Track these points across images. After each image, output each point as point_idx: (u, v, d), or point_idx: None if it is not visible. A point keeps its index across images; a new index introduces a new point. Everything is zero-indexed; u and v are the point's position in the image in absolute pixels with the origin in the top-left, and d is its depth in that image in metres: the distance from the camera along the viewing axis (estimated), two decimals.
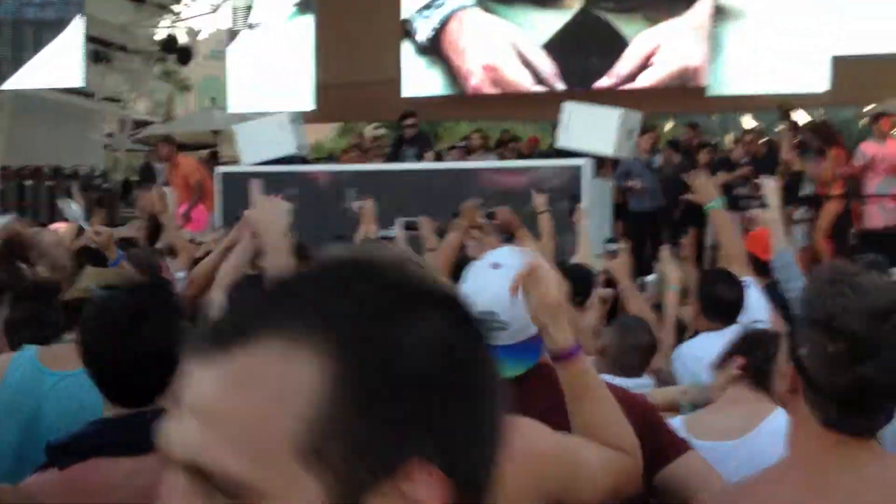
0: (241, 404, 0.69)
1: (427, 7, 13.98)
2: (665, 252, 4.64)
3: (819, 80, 11.44)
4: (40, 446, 2.56)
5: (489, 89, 13.93)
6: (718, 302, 3.81)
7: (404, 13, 14.05)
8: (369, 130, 22.39)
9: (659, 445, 1.98)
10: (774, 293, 4.07)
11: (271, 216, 2.26)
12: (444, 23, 13.86)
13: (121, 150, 17.43)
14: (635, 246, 10.39)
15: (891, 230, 9.44)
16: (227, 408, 0.69)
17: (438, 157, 11.00)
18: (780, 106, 10.86)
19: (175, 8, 17.57)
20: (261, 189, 2.40)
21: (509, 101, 14.24)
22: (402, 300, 0.73)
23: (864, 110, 16.05)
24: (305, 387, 0.68)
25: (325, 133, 25.21)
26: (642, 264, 9.32)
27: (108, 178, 16.04)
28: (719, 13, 11.98)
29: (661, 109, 15.44)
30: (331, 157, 16.04)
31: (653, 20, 12.72)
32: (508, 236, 5.64)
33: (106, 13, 15.53)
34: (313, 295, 0.73)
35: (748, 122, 25.28)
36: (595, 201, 8.61)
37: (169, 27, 17.59)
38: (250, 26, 13.82)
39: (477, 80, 13.89)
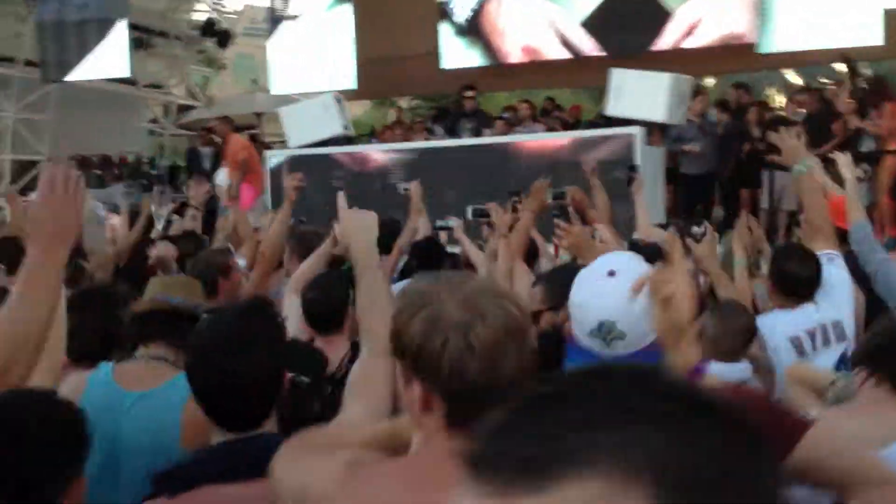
0: None
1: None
2: (741, 226, 4.50)
3: (872, 34, 11.09)
4: (119, 469, 2.59)
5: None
6: (792, 279, 3.71)
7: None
8: (406, 103, 22.41)
9: (781, 432, 1.91)
10: (852, 264, 3.95)
11: (359, 228, 2.21)
12: (481, 3, 13.71)
13: (165, 135, 17.56)
14: (689, 210, 10.34)
15: None
16: None
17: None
18: (844, 58, 10.54)
19: None
20: (345, 201, 2.34)
21: (548, 70, 14.04)
22: (728, 432, 0.65)
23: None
24: None
25: (362, 108, 25.16)
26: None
27: (156, 164, 16.17)
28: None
29: (709, 72, 15.15)
30: (372, 134, 16.06)
31: None
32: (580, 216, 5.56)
33: (144, 0, 15.59)
34: (625, 422, 0.63)
35: (794, 78, 24.78)
36: (648, 169, 8.49)
37: (206, 10, 17.65)
38: (292, 17, 13.78)
39: (516, 59, 13.74)
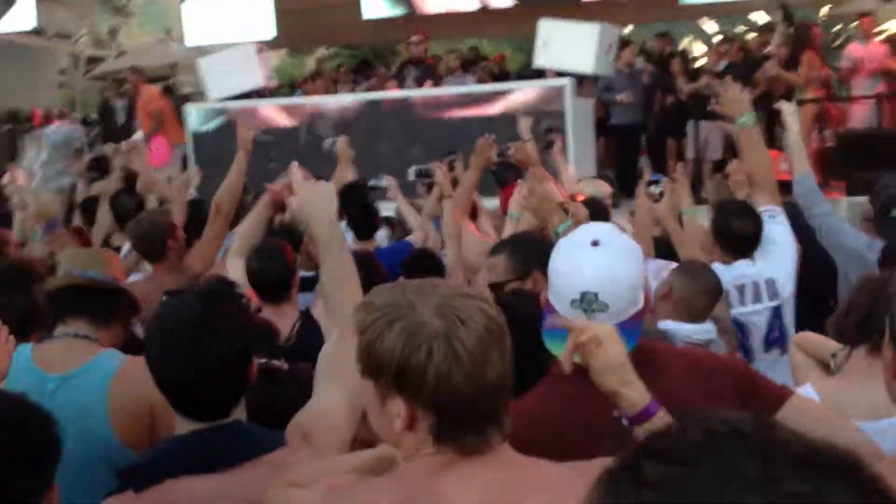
0: None
1: None
2: (679, 176, 4.49)
3: None
4: None
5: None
6: (733, 236, 3.75)
7: None
8: (322, 54, 21.97)
9: (760, 403, 1.90)
10: (794, 215, 3.99)
11: (317, 203, 2.09)
12: None
13: (76, 87, 16.91)
14: (622, 161, 10.41)
15: (873, 131, 9.44)
16: None
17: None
18: (782, 4, 10.62)
19: None
20: (302, 174, 2.22)
21: (468, 20, 13.93)
22: None
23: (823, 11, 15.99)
24: None
25: (277, 57, 24.58)
26: (632, 179, 9.29)
27: (67, 117, 15.55)
28: None
29: (630, 21, 15.20)
30: (292, 85, 15.70)
31: None
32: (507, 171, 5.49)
33: None
34: None
35: (711, 27, 25.10)
36: (579, 120, 8.51)
37: None
38: None
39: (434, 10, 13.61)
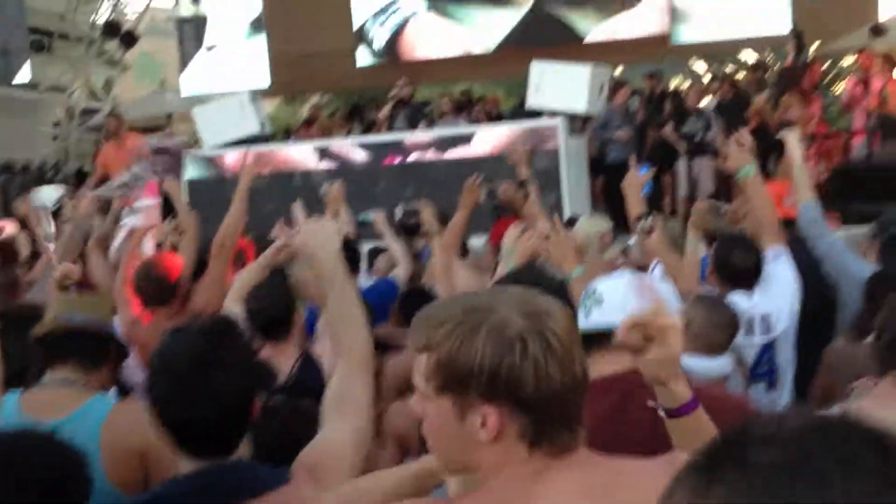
0: None
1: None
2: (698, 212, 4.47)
3: (781, 23, 11.42)
4: None
5: None
6: (732, 269, 3.74)
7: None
8: (316, 101, 22.14)
9: None
10: (800, 252, 4.00)
11: (321, 240, 2.08)
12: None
13: (70, 139, 16.96)
14: (617, 197, 10.43)
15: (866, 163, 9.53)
16: None
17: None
18: (795, 33, 10.72)
19: None
20: (303, 211, 2.22)
21: (461, 64, 14.10)
22: None
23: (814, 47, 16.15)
24: None
25: (271, 105, 24.74)
26: (625, 216, 9.29)
27: (61, 169, 15.58)
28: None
29: (622, 62, 15.36)
30: (287, 133, 15.78)
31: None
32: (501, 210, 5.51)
33: (42, 2, 15.01)
34: None
35: (700, 67, 25.34)
36: (573, 158, 8.56)
37: (108, 11, 17.09)
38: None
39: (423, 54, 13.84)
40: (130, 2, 17.64)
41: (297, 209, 2.26)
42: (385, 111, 10.72)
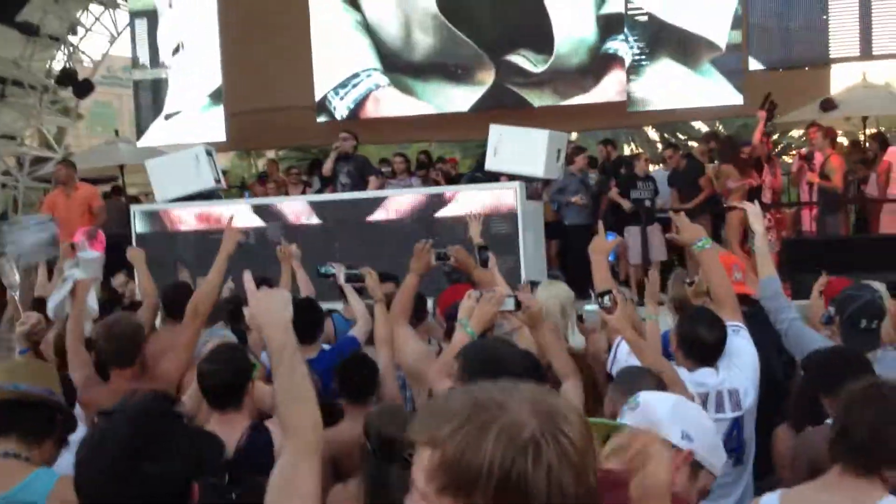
0: None
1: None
2: (651, 283, 4.46)
3: (733, 94, 11.68)
4: None
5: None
6: (698, 343, 3.71)
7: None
8: (272, 156, 22.10)
9: None
10: (759, 324, 4.00)
11: (271, 311, 2.00)
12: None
13: (20, 187, 16.66)
14: (575, 260, 10.54)
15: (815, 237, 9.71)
16: None
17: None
18: (770, 103, 10.97)
19: (71, 39, 16.93)
20: (252, 282, 2.14)
21: (418, 124, 14.19)
22: None
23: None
24: None
25: (225, 159, 24.64)
26: (581, 280, 9.30)
27: (7, 218, 15.27)
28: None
29: (578, 128, 15.57)
30: (242, 187, 15.67)
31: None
32: (458, 276, 5.45)
33: None
34: None
35: (652, 134, 25.87)
36: (530, 222, 8.58)
37: (62, 59, 16.96)
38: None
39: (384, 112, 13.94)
40: (87, 50, 17.56)
41: (247, 278, 2.16)
42: (328, 165, 10.70)
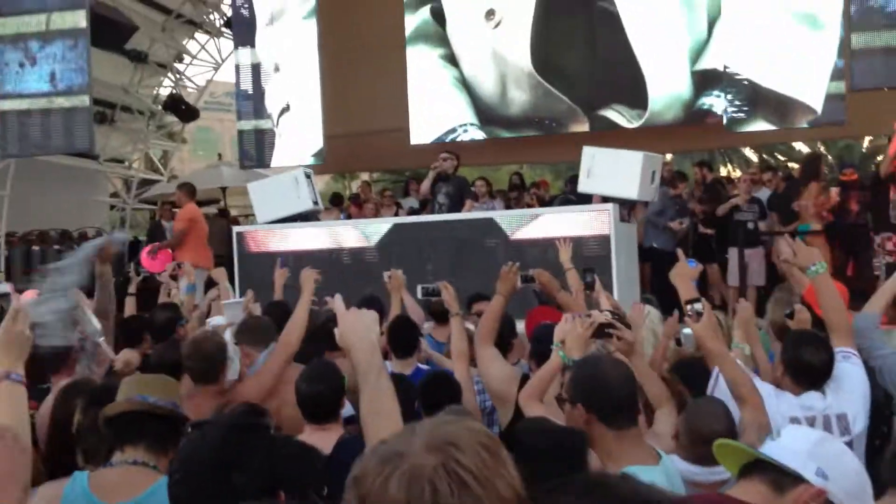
0: None
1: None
2: (744, 312, 4.41)
3: (835, 113, 11.39)
4: None
5: None
6: (804, 366, 3.66)
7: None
8: (367, 178, 22.48)
9: None
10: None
11: (359, 332, 2.07)
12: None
13: (127, 209, 17.34)
14: (664, 284, 10.44)
15: None
16: None
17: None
18: None
19: (177, 66, 17.60)
20: (342, 303, 2.21)
21: (512, 147, 14.24)
22: None
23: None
24: None
25: (321, 181, 25.16)
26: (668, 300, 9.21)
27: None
28: None
29: (673, 149, 15.39)
30: (334, 202, 15.98)
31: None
32: (546, 299, 5.47)
33: (107, 75, 15.51)
34: None
35: (749, 154, 25.35)
36: (622, 244, 8.52)
37: (169, 85, 17.63)
38: (259, 96, 13.77)
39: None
40: (192, 76, 18.21)
41: (338, 301, 2.24)
42: (426, 185, 10.79)
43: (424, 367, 5.03)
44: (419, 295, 5.53)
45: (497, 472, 1.31)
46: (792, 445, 2.11)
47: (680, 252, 4.36)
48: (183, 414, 2.78)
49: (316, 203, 10.18)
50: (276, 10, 13.92)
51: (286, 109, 13.79)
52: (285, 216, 9.91)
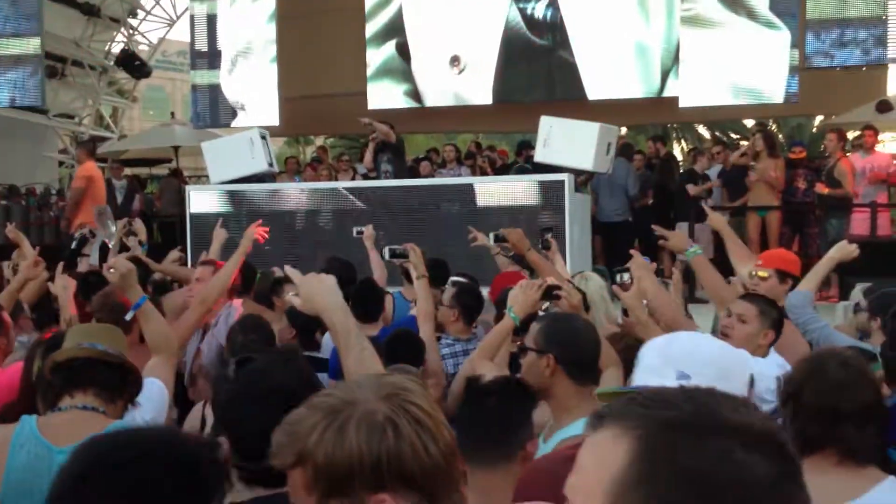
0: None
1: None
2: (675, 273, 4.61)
3: (780, 93, 11.59)
4: None
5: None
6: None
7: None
8: (323, 142, 22.33)
9: None
10: None
11: (324, 293, 2.09)
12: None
13: (76, 166, 17.03)
14: (616, 256, 10.66)
15: (877, 238, 9.60)
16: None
17: (412, 169, 10.86)
18: (879, 106, 10.91)
19: (131, 21, 17.26)
20: (295, 271, 2.23)
21: (469, 114, 14.25)
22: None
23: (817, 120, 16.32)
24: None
25: (274, 144, 24.94)
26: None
27: (65, 195, 15.64)
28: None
29: (628, 122, 15.53)
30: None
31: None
32: (518, 257, 5.53)
33: (59, 28, 15.17)
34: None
35: (702, 131, 25.65)
36: (577, 215, 8.60)
37: (122, 41, 17.29)
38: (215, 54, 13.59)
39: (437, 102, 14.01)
40: (145, 33, 17.90)
41: (290, 270, 2.27)
42: (368, 156, 10.82)
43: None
44: (386, 256, 5.55)
45: (438, 411, 1.35)
46: (648, 363, 2.03)
47: (636, 251, 4.42)
48: (131, 363, 2.79)
49: (271, 164, 10.10)
50: None
51: (238, 67, 13.63)
52: (239, 177, 9.82)
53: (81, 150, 11.37)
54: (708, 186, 10.98)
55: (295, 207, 9.50)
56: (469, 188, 8.86)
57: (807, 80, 11.12)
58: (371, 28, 13.95)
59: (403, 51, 13.88)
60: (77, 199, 10.89)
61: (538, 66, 13.16)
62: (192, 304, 4.32)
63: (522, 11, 13.23)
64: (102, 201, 11.20)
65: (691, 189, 10.81)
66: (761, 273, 4.56)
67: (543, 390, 2.77)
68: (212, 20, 13.65)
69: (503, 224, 6.76)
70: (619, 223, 10.72)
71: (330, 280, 2.15)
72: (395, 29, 13.90)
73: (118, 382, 2.71)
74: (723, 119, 17.62)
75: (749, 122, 21.10)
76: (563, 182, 8.41)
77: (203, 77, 13.60)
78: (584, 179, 9.53)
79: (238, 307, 5.03)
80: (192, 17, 13.77)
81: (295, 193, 9.68)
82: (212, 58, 13.72)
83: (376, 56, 14.02)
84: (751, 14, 11.57)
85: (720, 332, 3.76)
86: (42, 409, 2.74)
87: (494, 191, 8.71)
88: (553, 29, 13.04)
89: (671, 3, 12.43)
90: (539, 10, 13.15)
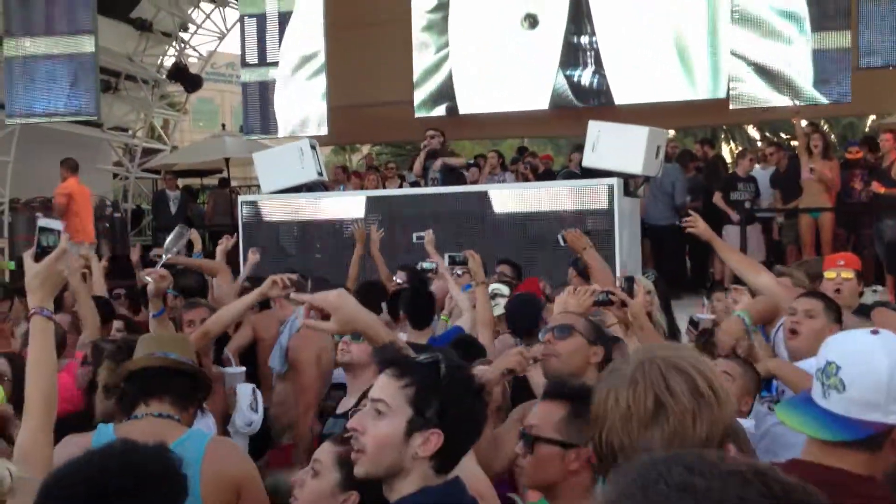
0: None
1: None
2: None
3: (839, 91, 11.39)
4: None
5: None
6: None
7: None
8: (369, 150, 22.48)
9: None
10: None
11: (350, 306, 2.16)
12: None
13: (130, 178, 17.34)
14: (668, 260, 10.61)
15: None
16: None
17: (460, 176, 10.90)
18: None
19: (182, 35, 17.54)
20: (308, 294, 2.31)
21: (516, 121, 14.26)
22: None
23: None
24: None
25: (323, 154, 25.17)
26: (675, 279, 9.32)
27: (119, 207, 15.94)
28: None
29: (677, 125, 15.42)
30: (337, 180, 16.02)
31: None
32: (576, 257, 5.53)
33: (112, 42, 15.46)
34: None
35: (752, 132, 25.31)
36: (625, 219, 8.57)
37: (173, 55, 17.56)
38: (267, 64, 13.76)
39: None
40: (196, 46, 18.15)
41: (298, 296, 2.35)
42: (418, 164, 10.86)
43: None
44: (446, 263, 5.56)
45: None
46: (870, 399, 1.93)
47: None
48: (203, 372, 2.85)
49: (320, 174, 10.23)
50: None
51: (288, 78, 13.78)
52: (290, 186, 9.95)
53: (64, 167, 11.74)
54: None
55: (344, 216, 9.60)
56: (517, 195, 8.89)
57: (859, 80, 10.93)
58: (418, 38, 14.04)
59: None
60: (60, 215, 11.21)
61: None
62: (196, 336, 4.04)
63: None
64: (87, 217, 11.55)
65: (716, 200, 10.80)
66: (846, 274, 4.51)
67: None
68: (261, 33, 13.81)
69: (553, 229, 6.78)
70: (666, 227, 10.64)
71: (350, 297, 2.22)
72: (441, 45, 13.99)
73: (190, 390, 2.79)
74: (774, 119, 17.38)
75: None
76: (612, 186, 8.39)
77: (253, 89, 13.75)
78: (639, 182, 9.50)
79: (304, 314, 5.02)
80: (242, 31, 13.96)
81: (344, 201, 9.79)
82: (261, 69, 13.88)
83: (421, 63, 14.10)
84: (801, 14, 11.41)
85: (787, 330, 3.71)
86: (98, 414, 2.81)
87: (543, 196, 8.72)
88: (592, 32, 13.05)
89: (715, 2, 12.35)
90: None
